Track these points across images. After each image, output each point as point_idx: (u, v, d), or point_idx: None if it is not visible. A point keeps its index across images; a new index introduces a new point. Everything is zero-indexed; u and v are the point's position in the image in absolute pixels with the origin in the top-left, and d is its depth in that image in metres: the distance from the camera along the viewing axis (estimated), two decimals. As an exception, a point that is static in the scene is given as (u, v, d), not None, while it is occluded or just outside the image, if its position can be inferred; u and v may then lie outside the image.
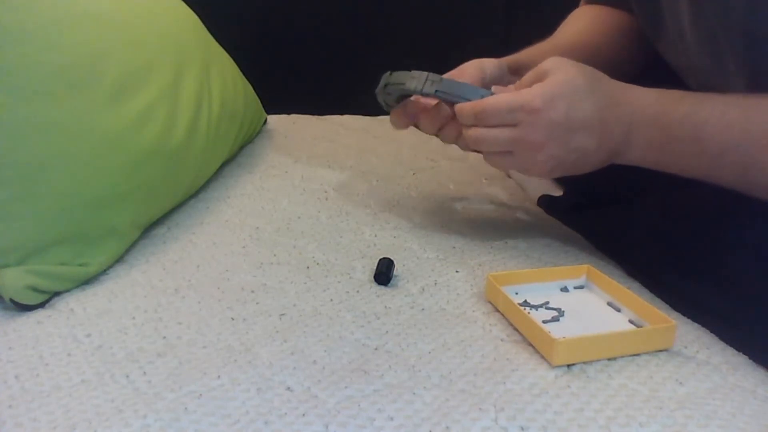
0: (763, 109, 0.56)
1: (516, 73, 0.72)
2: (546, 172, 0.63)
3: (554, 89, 0.60)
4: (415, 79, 0.66)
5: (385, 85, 0.70)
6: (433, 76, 0.65)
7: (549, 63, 0.62)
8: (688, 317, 0.59)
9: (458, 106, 0.64)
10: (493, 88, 0.66)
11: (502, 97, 0.61)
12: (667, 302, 0.61)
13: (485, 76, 0.70)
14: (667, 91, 0.61)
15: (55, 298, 0.61)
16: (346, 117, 1.26)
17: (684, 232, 0.63)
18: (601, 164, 0.63)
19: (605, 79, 0.62)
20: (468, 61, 0.72)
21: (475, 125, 0.63)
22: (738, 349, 0.54)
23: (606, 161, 0.63)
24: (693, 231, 0.62)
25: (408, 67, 0.68)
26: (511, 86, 0.66)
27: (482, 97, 0.63)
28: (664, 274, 0.64)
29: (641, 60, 0.81)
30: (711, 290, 0.59)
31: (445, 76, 0.68)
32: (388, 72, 0.71)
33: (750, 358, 0.53)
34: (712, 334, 0.56)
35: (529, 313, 0.56)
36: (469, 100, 0.64)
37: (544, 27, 0.80)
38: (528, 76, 0.63)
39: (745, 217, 0.60)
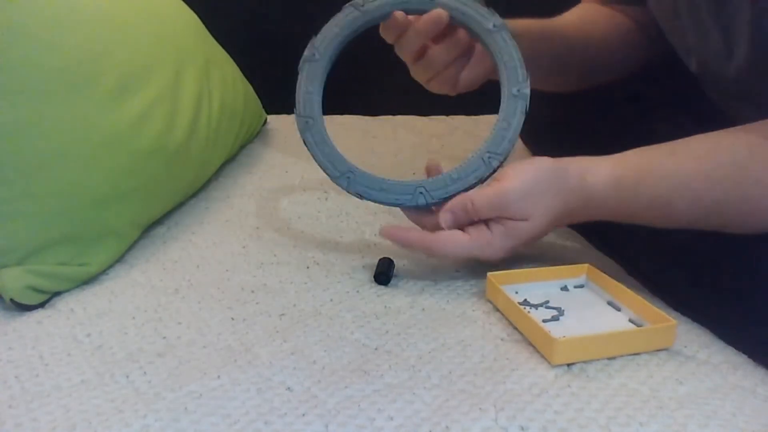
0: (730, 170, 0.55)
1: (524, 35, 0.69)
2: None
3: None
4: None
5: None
6: None
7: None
8: (688, 317, 0.59)
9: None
10: None
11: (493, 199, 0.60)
12: (666, 302, 0.61)
13: None
14: (628, 168, 0.58)
15: (55, 298, 0.61)
16: (346, 117, 1.26)
17: (686, 232, 0.62)
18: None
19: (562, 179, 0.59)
20: None
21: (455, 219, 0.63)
22: (738, 350, 0.54)
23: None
24: (695, 232, 0.62)
25: None
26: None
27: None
28: (664, 274, 0.63)
29: (627, 69, 0.82)
30: (710, 291, 0.59)
31: None
32: None
33: (750, 357, 0.53)
34: (712, 334, 0.56)
35: (528, 312, 0.56)
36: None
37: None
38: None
39: None
